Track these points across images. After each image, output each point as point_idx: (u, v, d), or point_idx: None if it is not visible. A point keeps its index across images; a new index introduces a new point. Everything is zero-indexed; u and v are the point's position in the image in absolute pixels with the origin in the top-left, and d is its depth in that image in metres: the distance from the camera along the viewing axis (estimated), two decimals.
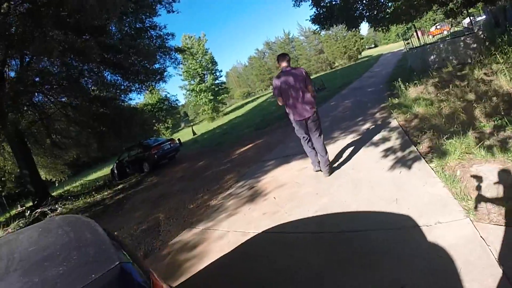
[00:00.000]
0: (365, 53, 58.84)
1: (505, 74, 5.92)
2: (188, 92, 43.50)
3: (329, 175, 4.46)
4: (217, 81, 44.37)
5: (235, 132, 15.87)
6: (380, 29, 11.41)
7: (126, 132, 13.86)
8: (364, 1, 10.90)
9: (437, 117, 5.35)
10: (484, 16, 12.95)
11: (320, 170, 4.58)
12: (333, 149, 5.82)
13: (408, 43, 13.64)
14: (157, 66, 15.37)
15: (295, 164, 5.85)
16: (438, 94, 7.03)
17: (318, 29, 12.17)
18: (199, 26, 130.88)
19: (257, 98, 46.88)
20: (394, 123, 6.21)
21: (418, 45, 13.21)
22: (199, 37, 43.38)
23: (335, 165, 4.91)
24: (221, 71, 45.32)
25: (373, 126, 6.56)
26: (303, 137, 4.52)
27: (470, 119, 4.80)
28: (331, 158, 5.13)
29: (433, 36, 18.01)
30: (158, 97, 45.46)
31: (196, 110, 49.80)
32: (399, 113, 6.58)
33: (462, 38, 10.43)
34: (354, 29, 12.09)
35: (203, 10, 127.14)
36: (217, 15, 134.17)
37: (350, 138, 6.22)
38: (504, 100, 5.07)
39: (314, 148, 4.54)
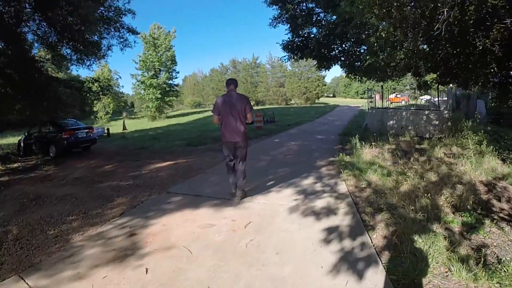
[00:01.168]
0: (322, 99, 60.68)
1: (471, 161, 5.33)
2: (137, 83, 40.08)
3: (241, 199, 4.53)
4: (170, 81, 41.30)
5: (165, 141, 13.92)
6: (353, 76, 10.81)
7: (33, 103, 11.03)
8: (344, 46, 10.37)
9: (395, 194, 4.45)
10: (444, 98, 13.22)
11: (235, 194, 4.60)
12: (258, 206, 4.42)
13: (371, 101, 13.34)
14: (101, 40, 12.93)
15: (203, 212, 4.25)
16: (396, 164, 6.25)
17: (286, 57, 11.19)
18: (173, 21, 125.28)
19: (206, 111, 44.75)
20: (343, 187, 5.10)
21: (379, 106, 12.96)
22: (169, 31, 40.88)
23: (254, 237, 3.40)
24: (178, 72, 42.41)
25: (318, 184, 5.31)
26: (227, 157, 4.59)
27: (433, 206, 3.98)
28: (253, 218, 4.01)
29: (391, 102, 18.41)
30: (107, 76, 41.35)
31: (142, 103, 46.40)
32: (350, 175, 5.59)
33: (426, 112, 10.14)
34: (324, 69, 11.33)
35: (186, 7, 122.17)
36: (197, 16, 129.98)
37: (285, 195, 4.83)
38: (472, 192, 4.27)
39: (234, 170, 4.60)
